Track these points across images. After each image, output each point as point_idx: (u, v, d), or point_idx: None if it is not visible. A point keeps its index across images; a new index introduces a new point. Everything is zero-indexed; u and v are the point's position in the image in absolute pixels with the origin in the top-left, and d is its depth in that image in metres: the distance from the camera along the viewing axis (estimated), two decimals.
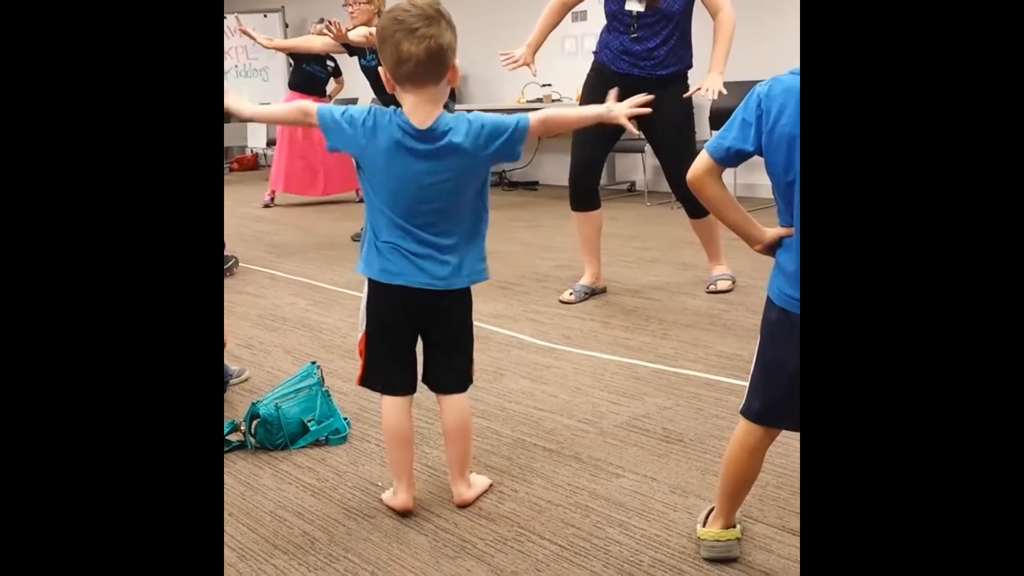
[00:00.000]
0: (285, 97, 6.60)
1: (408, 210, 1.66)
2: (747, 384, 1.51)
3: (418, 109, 1.63)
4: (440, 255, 1.69)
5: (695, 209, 3.41)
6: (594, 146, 3.43)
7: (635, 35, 3.32)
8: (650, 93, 3.28)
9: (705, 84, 3.20)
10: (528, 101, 6.75)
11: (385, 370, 1.78)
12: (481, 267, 1.77)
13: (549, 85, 6.69)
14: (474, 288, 1.80)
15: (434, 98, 1.64)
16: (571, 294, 3.48)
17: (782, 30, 5.11)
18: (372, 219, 1.70)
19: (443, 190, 1.65)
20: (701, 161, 1.45)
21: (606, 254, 4.27)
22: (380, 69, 1.68)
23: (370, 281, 1.72)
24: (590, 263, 3.54)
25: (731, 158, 1.41)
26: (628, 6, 3.31)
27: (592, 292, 3.52)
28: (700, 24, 3.35)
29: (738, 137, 1.38)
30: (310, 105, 1.70)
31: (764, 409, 1.47)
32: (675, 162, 3.33)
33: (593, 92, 3.42)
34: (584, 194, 3.47)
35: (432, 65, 1.59)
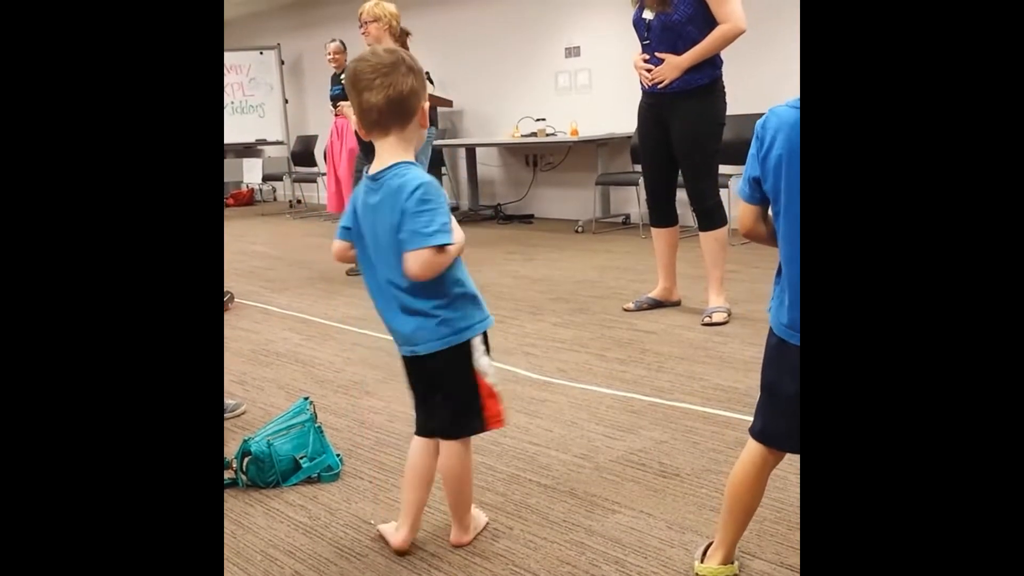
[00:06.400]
0: (332, 126, 6.51)
1: (378, 266, 1.64)
2: (743, 415, 1.51)
3: (383, 154, 1.64)
4: (403, 315, 1.65)
5: (706, 223, 3.52)
6: (658, 167, 3.59)
7: (646, 42, 3.40)
8: (667, 111, 3.40)
9: (656, 69, 3.37)
10: (523, 135, 6.79)
11: (415, 413, 1.79)
12: (446, 331, 1.63)
13: (543, 120, 6.73)
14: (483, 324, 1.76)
15: (401, 141, 1.62)
16: (633, 303, 3.74)
17: (779, 63, 5.16)
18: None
19: (392, 241, 1.59)
20: (742, 211, 1.50)
21: (601, 288, 4.27)
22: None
23: None
24: (662, 276, 3.74)
25: (753, 189, 1.45)
26: (644, 14, 3.38)
27: (657, 304, 3.73)
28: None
29: (751, 167, 1.44)
30: (334, 247, 1.75)
31: (765, 428, 1.50)
32: (689, 178, 3.51)
33: (638, 121, 3.64)
34: (659, 212, 3.67)
35: (393, 112, 1.59)
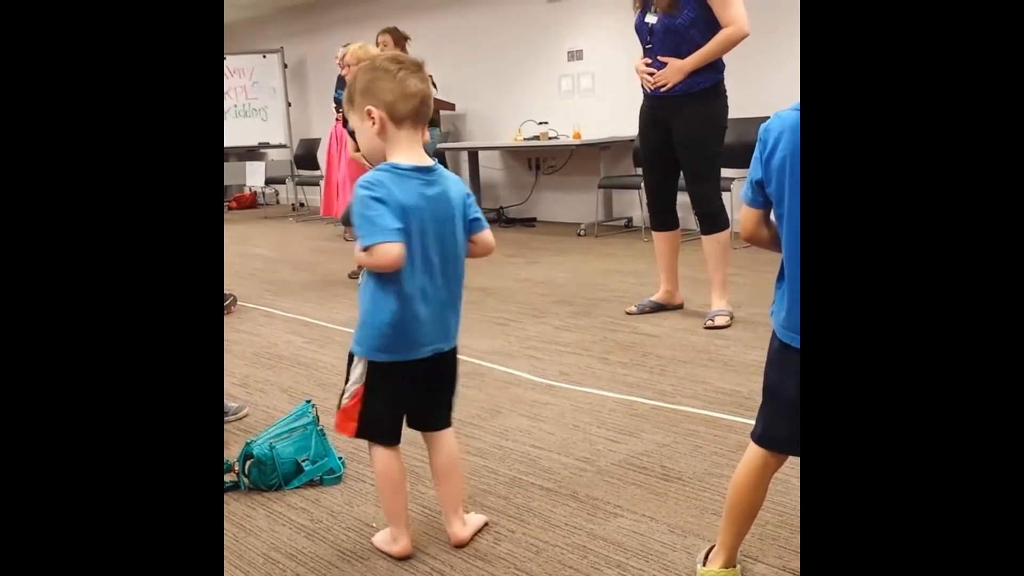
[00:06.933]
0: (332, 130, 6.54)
1: (448, 256, 1.67)
2: (746, 419, 1.50)
3: (415, 148, 1.65)
4: (455, 309, 1.73)
5: (708, 226, 3.52)
6: (660, 171, 3.59)
7: (648, 46, 3.40)
8: (669, 114, 3.40)
9: (659, 73, 3.37)
10: (525, 138, 6.79)
11: (386, 425, 1.74)
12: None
13: (546, 123, 6.74)
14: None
15: (422, 141, 1.68)
16: (635, 306, 3.75)
17: (782, 67, 5.16)
18: (396, 291, 1.63)
19: (455, 228, 1.68)
20: (744, 215, 1.49)
21: (603, 291, 4.27)
22: (371, 112, 1.60)
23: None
24: (663, 280, 3.74)
25: (756, 193, 1.44)
26: (647, 19, 3.38)
27: (660, 307, 3.73)
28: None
29: (754, 170, 1.44)
30: (398, 250, 1.57)
31: (766, 432, 1.49)
32: (691, 182, 3.51)
33: (640, 124, 3.63)
34: (659, 215, 3.67)
35: (427, 107, 1.65)
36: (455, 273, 1.69)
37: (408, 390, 1.72)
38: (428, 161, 1.66)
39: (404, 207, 1.58)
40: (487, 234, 1.74)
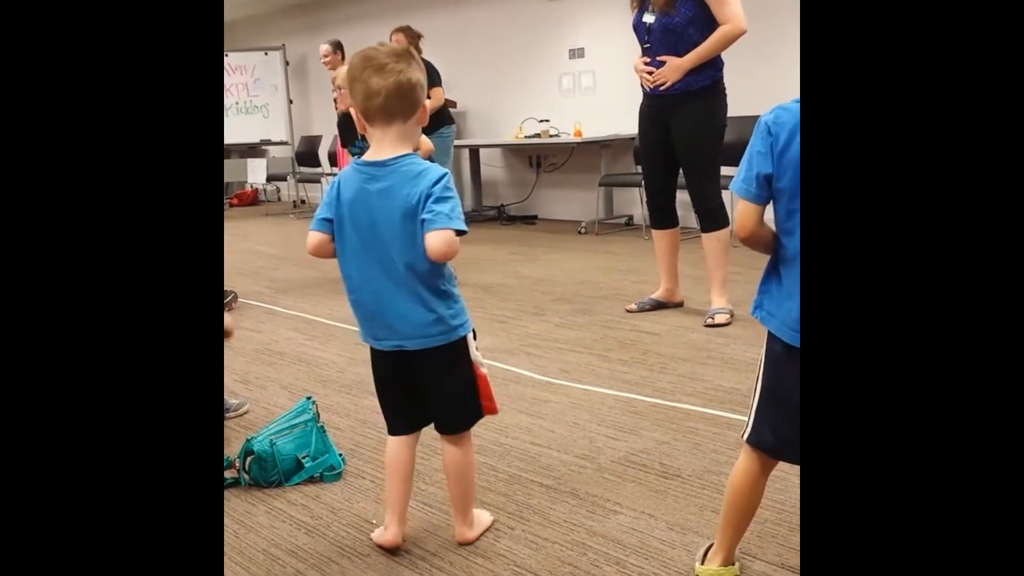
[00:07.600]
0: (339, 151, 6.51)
1: (392, 253, 1.62)
2: (748, 415, 1.49)
3: (383, 144, 1.63)
4: (417, 305, 1.65)
5: (708, 224, 3.53)
6: (659, 169, 3.59)
7: (646, 45, 3.39)
8: (668, 112, 3.40)
9: (657, 71, 3.38)
10: (526, 136, 6.79)
11: (387, 414, 1.80)
12: (455, 324, 1.69)
13: (547, 121, 6.74)
14: (471, 320, 1.77)
15: (403, 135, 1.63)
16: (635, 304, 3.75)
17: (780, 64, 5.16)
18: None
19: (405, 225, 1.60)
20: (744, 211, 1.42)
21: (603, 288, 4.28)
22: (351, 112, 1.68)
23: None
24: (664, 278, 3.74)
25: (761, 187, 1.38)
26: (645, 18, 3.38)
27: (660, 305, 3.73)
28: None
29: (759, 164, 1.37)
30: (314, 240, 1.68)
31: (765, 436, 1.46)
32: (691, 180, 3.52)
33: (639, 123, 3.64)
34: (659, 213, 3.68)
35: (401, 99, 1.60)
36: (395, 269, 1.62)
37: (385, 379, 1.77)
38: (388, 155, 1.62)
39: (341, 200, 1.66)
40: (433, 236, 1.56)
